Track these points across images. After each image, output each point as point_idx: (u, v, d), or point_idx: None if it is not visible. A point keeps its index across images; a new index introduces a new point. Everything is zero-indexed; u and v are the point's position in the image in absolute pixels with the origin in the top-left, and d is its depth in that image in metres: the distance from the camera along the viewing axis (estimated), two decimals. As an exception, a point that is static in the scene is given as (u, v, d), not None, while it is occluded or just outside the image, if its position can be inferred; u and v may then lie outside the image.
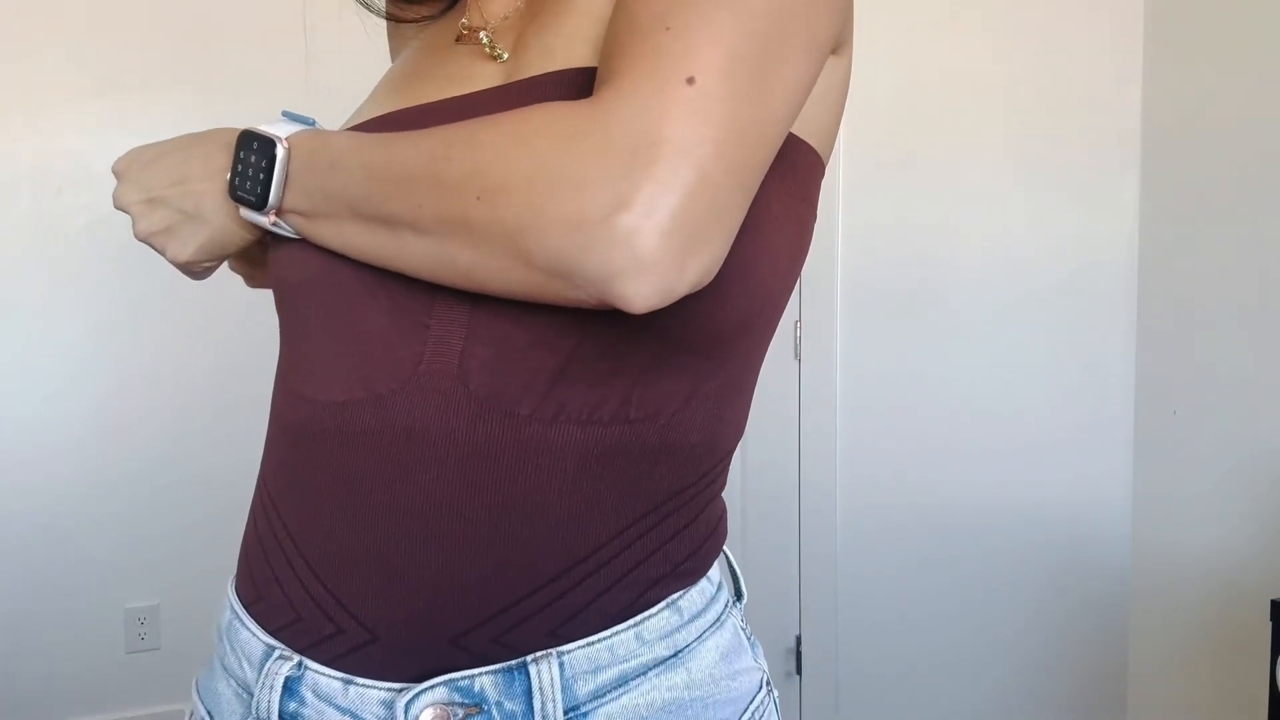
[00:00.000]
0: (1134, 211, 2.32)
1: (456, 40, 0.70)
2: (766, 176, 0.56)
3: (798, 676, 2.52)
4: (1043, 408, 2.37)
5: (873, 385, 2.45)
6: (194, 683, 0.72)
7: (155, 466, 2.70)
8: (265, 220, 0.62)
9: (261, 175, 0.61)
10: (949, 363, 2.41)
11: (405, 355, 0.59)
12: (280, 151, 0.60)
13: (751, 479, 2.52)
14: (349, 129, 0.68)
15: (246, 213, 0.63)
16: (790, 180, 0.61)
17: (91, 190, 2.63)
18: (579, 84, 0.60)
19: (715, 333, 0.60)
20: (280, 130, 0.61)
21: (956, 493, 2.41)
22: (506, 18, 0.69)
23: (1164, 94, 2.27)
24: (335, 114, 1.09)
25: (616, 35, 0.56)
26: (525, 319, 0.57)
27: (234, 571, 0.71)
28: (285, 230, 0.63)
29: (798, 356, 2.49)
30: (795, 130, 0.60)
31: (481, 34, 0.68)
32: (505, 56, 0.66)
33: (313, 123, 0.65)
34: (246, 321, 2.83)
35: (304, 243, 0.63)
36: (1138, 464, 2.33)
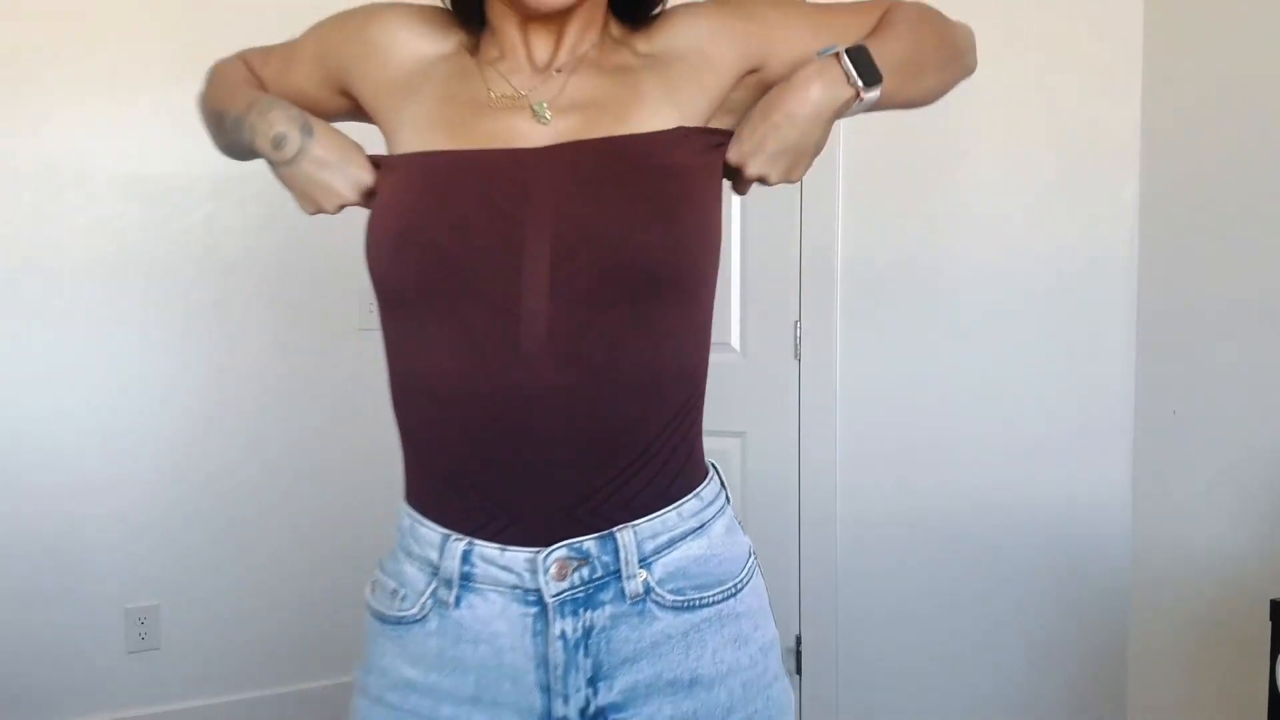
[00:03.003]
0: (1134, 211, 2.32)
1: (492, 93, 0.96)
2: (698, 184, 0.92)
3: (798, 676, 2.52)
4: (1042, 408, 2.37)
5: (873, 385, 2.45)
6: (378, 566, 0.99)
7: (155, 467, 2.70)
8: (874, 95, 0.96)
9: (868, 75, 0.96)
10: (949, 362, 2.41)
11: (505, 340, 0.87)
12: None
13: (751, 480, 2.53)
14: (415, 155, 0.94)
15: (868, 92, 0.96)
16: (713, 182, 0.95)
17: (91, 190, 2.62)
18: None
19: (696, 292, 0.93)
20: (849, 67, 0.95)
21: (956, 492, 2.41)
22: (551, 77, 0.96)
23: (1164, 94, 2.27)
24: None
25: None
26: (584, 312, 0.87)
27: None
28: (870, 97, 0.96)
29: (798, 356, 2.49)
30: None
31: (536, 104, 0.94)
32: (549, 119, 0.93)
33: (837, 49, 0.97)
34: (247, 323, 2.84)
35: (421, 256, 0.88)
36: (1137, 464, 2.33)
